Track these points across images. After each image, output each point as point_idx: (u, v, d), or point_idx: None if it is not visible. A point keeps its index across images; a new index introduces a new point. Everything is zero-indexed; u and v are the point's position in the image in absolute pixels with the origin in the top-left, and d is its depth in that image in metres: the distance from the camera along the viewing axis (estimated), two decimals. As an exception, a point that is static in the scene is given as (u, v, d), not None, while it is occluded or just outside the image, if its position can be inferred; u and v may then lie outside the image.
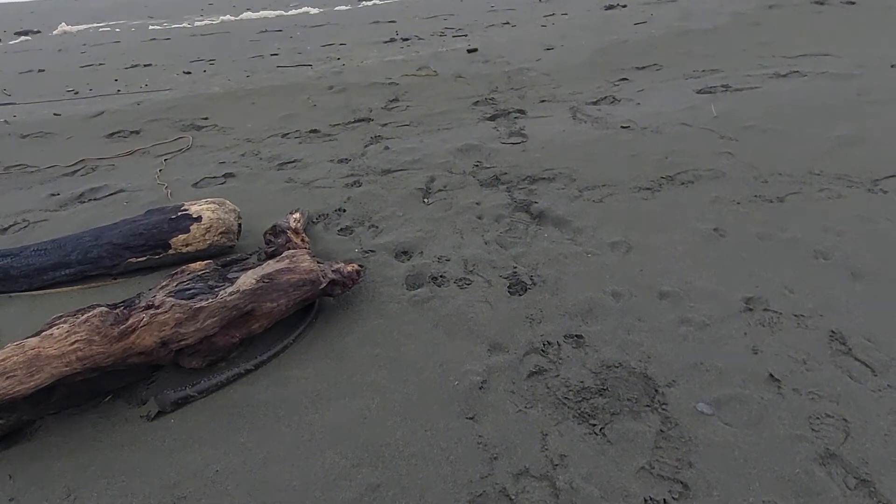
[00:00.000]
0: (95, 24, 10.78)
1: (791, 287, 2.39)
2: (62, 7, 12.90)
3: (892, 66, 5.00)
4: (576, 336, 2.19)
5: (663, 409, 1.83)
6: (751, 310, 2.28)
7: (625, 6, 8.22)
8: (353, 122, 4.87)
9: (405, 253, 2.85)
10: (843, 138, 3.66)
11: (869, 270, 2.48)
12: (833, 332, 2.15)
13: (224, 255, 2.84)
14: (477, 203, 3.20)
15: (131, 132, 5.01)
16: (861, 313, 2.23)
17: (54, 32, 10.57)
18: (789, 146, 3.62)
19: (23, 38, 10.55)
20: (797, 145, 3.63)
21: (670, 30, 7.10)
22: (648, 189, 3.25)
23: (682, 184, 3.30)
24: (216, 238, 2.80)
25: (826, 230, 2.76)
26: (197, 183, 3.84)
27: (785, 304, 2.29)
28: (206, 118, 5.22)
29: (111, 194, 3.76)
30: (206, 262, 2.46)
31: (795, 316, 2.23)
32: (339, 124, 4.85)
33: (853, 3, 7.41)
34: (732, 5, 7.89)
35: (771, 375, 1.95)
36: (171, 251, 2.77)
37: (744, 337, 2.12)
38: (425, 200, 3.33)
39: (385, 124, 4.78)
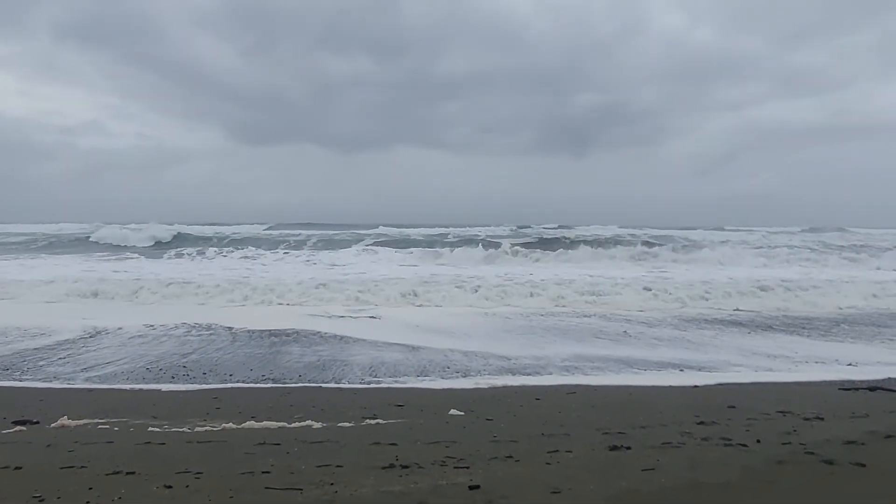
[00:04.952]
0: (97, 420, 10.80)
1: None
2: (71, 398, 13.22)
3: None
4: None
5: None
6: None
7: (629, 448, 8.18)
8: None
9: None
10: None
11: None
12: None
13: None
14: None
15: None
16: None
17: (52, 425, 10.52)
18: None
19: (18, 427, 10.45)
20: None
21: (681, 480, 6.83)
22: None
23: None
24: None
25: None
26: None
27: None
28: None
29: None
30: None
31: None
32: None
33: (863, 466, 7.28)
34: (739, 457, 7.79)
35: None
36: None
37: None
38: None
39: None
